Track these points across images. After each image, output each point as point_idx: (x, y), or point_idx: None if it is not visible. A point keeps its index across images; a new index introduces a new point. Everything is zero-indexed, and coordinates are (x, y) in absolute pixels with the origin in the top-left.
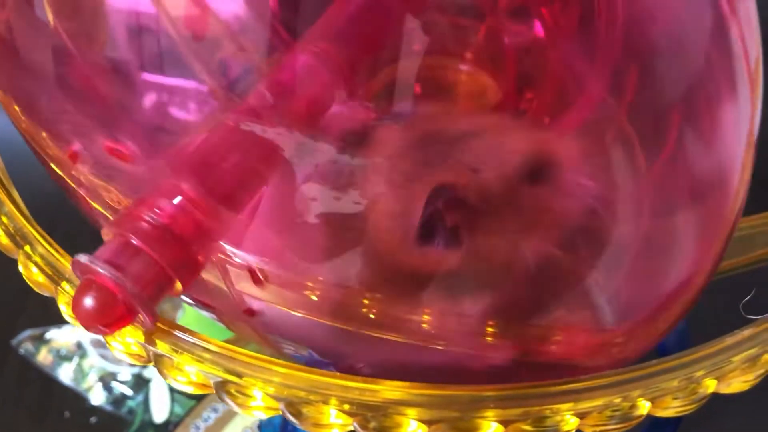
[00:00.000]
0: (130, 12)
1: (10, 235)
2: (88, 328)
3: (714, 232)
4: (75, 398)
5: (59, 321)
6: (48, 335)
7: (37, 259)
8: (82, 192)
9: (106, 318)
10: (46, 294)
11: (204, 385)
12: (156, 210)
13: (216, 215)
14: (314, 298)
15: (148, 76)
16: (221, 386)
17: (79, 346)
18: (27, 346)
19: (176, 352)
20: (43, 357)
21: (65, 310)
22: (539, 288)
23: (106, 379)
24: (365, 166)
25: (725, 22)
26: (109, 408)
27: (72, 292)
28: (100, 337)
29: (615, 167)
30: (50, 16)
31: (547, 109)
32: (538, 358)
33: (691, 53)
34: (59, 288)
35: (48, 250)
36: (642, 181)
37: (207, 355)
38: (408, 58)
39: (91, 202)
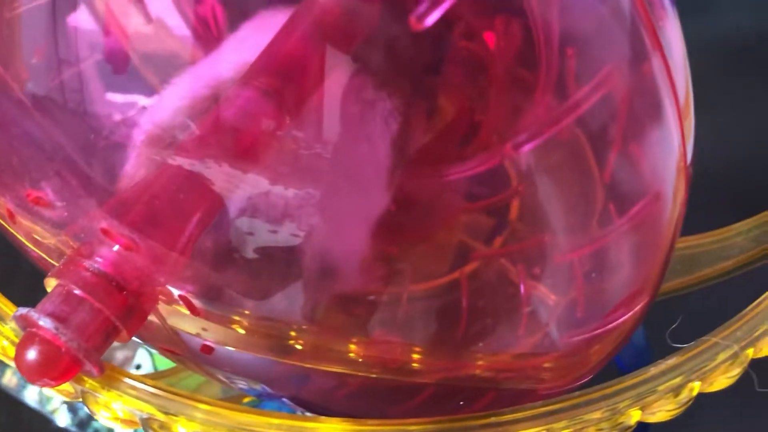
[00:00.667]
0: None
1: None
2: (33, 381)
3: (648, 255)
4: (41, 420)
5: None
6: None
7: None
8: (25, 241)
9: (51, 371)
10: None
11: (131, 422)
12: (97, 258)
13: (156, 258)
14: (242, 331)
15: (71, 107)
16: (146, 422)
17: None
18: None
19: (103, 388)
20: (8, 379)
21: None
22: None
23: (71, 401)
24: (299, 196)
25: (647, 54)
26: (74, 430)
27: (10, 333)
28: None
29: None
30: None
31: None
32: (467, 383)
33: (612, 79)
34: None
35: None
36: (585, 199)
37: (132, 392)
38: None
39: (34, 249)
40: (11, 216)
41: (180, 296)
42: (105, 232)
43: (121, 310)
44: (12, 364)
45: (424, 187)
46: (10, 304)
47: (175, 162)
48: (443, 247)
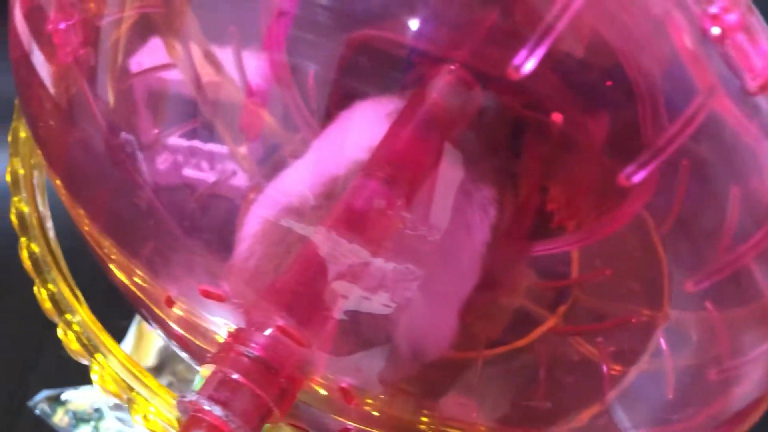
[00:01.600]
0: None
1: (54, 302)
2: None
3: None
4: None
5: (74, 382)
6: (64, 396)
7: (76, 327)
8: (173, 327)
9: None
10: (83, 361)
11: None
12: (252, 344)
13: (307, 342)
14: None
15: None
16: None
17: (97, 409)
18: (43, 407)
19: None
20: (59, 419)
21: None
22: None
23: None
24: (398, 270)
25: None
26: None
27: (104, 363)
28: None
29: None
30: None
31: (573, 214)
32: None
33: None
34: (93, 359)
35: (85, 320)
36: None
37: None
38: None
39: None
40: (169, 303)
41: (340, 388)
42: (259, 318)
43: (276, 393)
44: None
45: (500, 263)
46: (151, 377)
47: (287, 225)
48: (510, 313)
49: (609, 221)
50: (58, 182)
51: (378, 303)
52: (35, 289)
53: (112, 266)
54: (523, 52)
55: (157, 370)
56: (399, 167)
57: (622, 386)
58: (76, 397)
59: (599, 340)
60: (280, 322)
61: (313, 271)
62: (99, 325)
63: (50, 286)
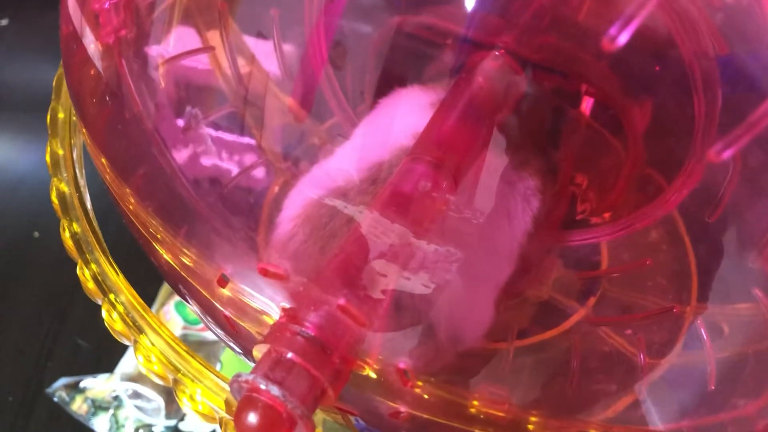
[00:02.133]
0: None
1: (97, 282)
2: None
3: None
4: None
5: (90, 369)
6: (83, 384)
7: (120, 308)
8: (221, 308)
9: None
10: (126, 342)
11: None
12: (307, 323)
13: (365, 321)
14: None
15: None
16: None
17: (116, 397)
18: (61, 395)
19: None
20: (78, 406)
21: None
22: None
23: (142, 431)
24: (439, 252)
25: None
26: None
27: (148, 345)
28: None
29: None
30: None
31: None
32: None
33: None
34: (138, 340)
35: (130, 300)
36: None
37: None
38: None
39: (232, 316)
40: (221, 282)
41: (397, 369)
42: (314, 297)
43: (331, 373)
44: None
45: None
46: (199, 357)
47: (332, 203)
48: (537, 304)
49: (643, 215)
50: (103, 160)
51: (417, 283)
52: (78, 270)
53: (157, 246)
54: (617, 24)
55: None
56: (445, 151)
57: (654, 377)
58: (95, 385)
59: (628, 332)
60: (340, 301)
61: (365, 252)
62: (144, 304)
63: (93, 266)
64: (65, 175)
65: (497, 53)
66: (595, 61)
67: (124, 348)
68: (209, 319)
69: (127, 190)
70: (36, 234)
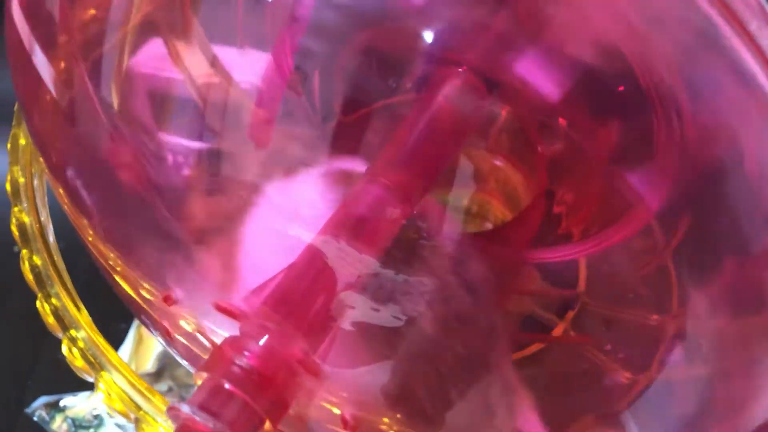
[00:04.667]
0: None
1: (57, 318)
2: None
3: None
4: None
5: (72, 387)
6: (63, 403)
7: (81, 344)
8: (164, 324)
9: None
10: (88, 378)
11: None
12: (245, 353)
13: (302, 352)
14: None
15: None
16: None
17: (96, 416)
18: (41, 414)
19: None
20: (58, 425)
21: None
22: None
23: None
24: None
25: None
26: None
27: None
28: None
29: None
30: None
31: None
32: None
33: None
34: (99, 376)
35: (90, 337)
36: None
37: None
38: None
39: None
40: (169, 302)
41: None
42: (254, 325)
43: (268, 404)
44: None
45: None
46: (159, 396)
47: (294, 233)
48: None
49: (617, 230)
50: (61, 191)
51: (387, 315)
52: (38, 303)
53: (117, 278)
54: None
55: (157, 374)
56: (405, 173)
57: (632, 395)
58: (76, 404)
59: (608, 347)
60: (274, 330)
61: (311, 279)
62: (104, 341)
63: (53, 300)
64: (26, 204)
65: (460, 70)
66: (558, 78)
67: None
68: (173, 348)
69: (84, 221)
70: (16, 248)
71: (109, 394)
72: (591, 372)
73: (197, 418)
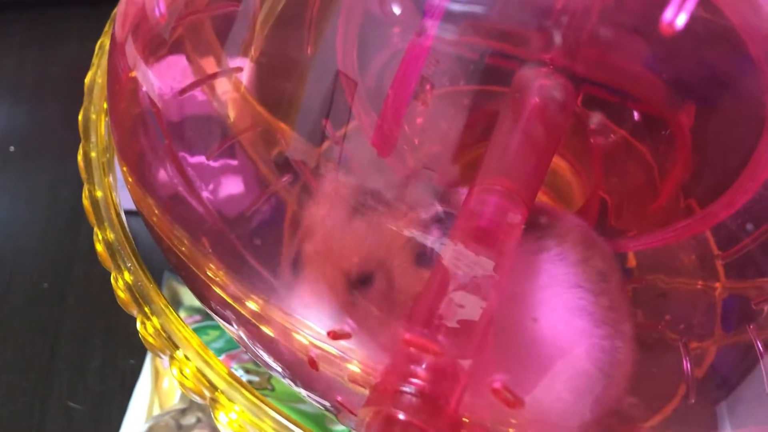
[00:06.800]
0: None
1: (131, 293)
2: None
3: None
4: None
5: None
6: None
7: (155, 321)
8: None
9: None
10: (161, 355)
11: None
12: (411, 379)
13: (501, 384)
14: None
15: None
16: None
17: None
18: None
19: None
20: None
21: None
22: None
23: None
24: None
25: None
26: None
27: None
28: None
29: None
30: None
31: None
32: None
33: None
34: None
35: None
36: None
37: None
38: None
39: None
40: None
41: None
42: (411, 349)
43: (443, 425)
44: None
45: None
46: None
47: (412, 234)
48: None
49: (668, 235)
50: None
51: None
52: (111, 279)
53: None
54: (672, 6)
55: (185, 409)
56: (516, 178)
57: (705, 363)
58: None
59: (668, 317)
60: (439, 352)
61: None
62: (179, 318)
63: (126, 275)
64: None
65: (545, 70)
66: (642, 70)
67: (122, 405)
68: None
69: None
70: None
71: (182, 373)
72: (658, 344)
73: None
